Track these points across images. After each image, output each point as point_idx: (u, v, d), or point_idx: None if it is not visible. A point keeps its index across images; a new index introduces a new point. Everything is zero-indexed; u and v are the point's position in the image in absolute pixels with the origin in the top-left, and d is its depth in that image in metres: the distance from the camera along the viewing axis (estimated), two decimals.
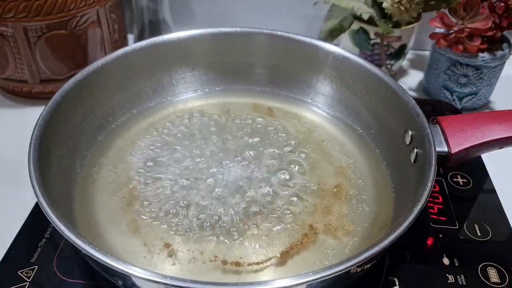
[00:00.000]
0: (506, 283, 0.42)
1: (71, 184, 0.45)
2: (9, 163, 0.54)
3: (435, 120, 0.44)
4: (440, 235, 0.46)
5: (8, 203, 0.49)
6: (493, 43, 0.60)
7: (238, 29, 0.55)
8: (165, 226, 0.42)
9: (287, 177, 0.46)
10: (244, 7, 0.75)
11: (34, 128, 0.41)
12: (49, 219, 0.34)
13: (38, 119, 0.42)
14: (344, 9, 0.62)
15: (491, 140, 0.42)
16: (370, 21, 0.62)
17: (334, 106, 0.55)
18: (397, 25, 0.63)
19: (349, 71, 0.52)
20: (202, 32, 0.54)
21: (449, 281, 0.42)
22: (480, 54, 0.59)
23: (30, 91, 0.62)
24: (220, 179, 0.46)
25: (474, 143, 0.42)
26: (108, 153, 0.49)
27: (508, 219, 0.48)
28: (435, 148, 0.40)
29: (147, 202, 0.44)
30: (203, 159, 0.48)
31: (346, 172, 0.48)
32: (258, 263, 0.39)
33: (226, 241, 0.40)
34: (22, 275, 0.41)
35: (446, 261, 0.43)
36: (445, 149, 0.42)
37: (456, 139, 0.42)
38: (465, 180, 0.52)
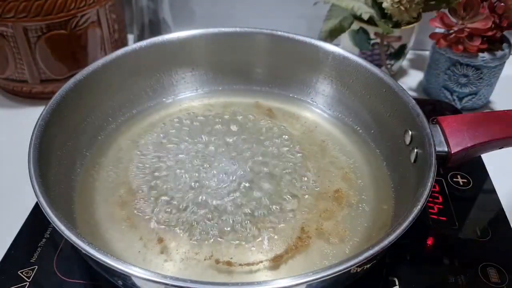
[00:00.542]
0: (506, 283, 0.42)
1: (71, 184, 0.45)
2: (9, 163, 0.54)
3: (435, 120, 0.44)
4: (440, 235, 0.46)
5: (8, 203, 0.49)
6: (493, 43, 0.60)
7: (238, 29, 0.55)
8: (165, 226, 0.42)
9: (287, 177, 0.46)
10: (244, 7, 0.75)
11: (34, 128, 0.41)
12: (49, 219, 0.34)
13: (38, 119, 0.42)
14: (344, 9, 0.62)
15: (491, 140, 0.42)
16: (370, 21, 0.62)
17: (334, 106, 0.55)
18: (397, 25, 0.63)
19: (349, 71, 0.52)
20: (202, 32, 0.54)
21: (449, 281, 0.42)
22: (480, 54, 0.59)
23: (30, 91, 0.62)
24: (220, 179, 0.46)
25: (474, 143, 0.42)
26: (108, 153, 0.49)
27: (508, 219, 0.48)
28: (435, 148, 0.40)
29: (147, 202, 0.44)
30: (202, 159, 0.48)
31: (346, 172, 0.48)
32: (249, 264, 0.39)
33: (223, 241, 0.40)
34: (22, 275, 0.41)
35: (446, 261, 0.43)
36: (445, 149, 0.42)
37: (456, 139, 0.42)
38: (465, 180, 0.52)
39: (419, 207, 0.35)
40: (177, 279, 0.30)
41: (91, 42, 0.61)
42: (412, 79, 0.71)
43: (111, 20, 0.62)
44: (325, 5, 0.64)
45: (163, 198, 0.44)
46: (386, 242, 0.33)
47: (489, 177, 0.52)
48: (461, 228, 0.47)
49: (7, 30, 0.55)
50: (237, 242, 0.40)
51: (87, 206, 0.43)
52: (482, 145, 0.42)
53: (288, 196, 0.44)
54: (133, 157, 0.48)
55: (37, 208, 0.47)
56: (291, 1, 0.73)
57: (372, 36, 0.64)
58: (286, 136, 0.51)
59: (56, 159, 0.43)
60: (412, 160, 0.43)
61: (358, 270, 0.34)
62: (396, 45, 0.65)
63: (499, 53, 0.59)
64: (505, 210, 0.49)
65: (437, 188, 0.51)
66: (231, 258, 0.39)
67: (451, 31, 0.58)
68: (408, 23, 0.63)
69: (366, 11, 0.61)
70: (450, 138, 0.42)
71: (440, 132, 0.43)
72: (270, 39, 0.55)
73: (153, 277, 0.30)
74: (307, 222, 0.43)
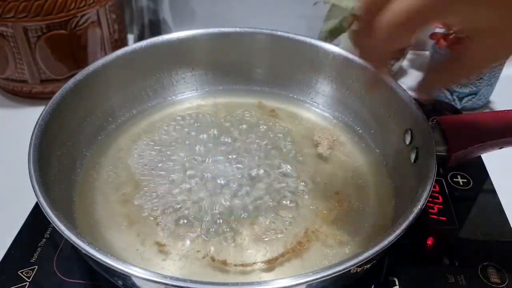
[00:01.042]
0: (506, 283, 0.42)
1: (71, 184, 0.45)
2: (9, 163, 0.54)
3: (435, 120, 0.44)
4: (440, 235, 0.46)
5: (8, 203, 0.49)
6: None
7: (238, 29, 0.55)
8: (166, 226, 0.42)
9: (286, 177, 0.46)
10: (244, 7, 0.75)
11: (34, 128, 0.41)
12: (49, 219, 0.34)
13: (38, 119, 0.42)
14: (344, 9, 0.62)
15: (491, 140, 0.42)
16: None
17: (334, 106, 0.55)
18: None
19: (349, 71, 0.52)
20: (202, 32, 0.54)
21: (449, 281, 0.42)
22: None
23: (30, 91, 0.62)
24: (220, 179, 0.46)
25: (474, 143, 0.42)
26: (108, 153, 0.49)
27: (508, 219, 0.48)
28: (435, 148, 0.40)
29: (147, 202, 0.44)
30: (202, 159, 0.48)
31: (346, 173, 0.48)
32: (246, 265, 0.39)
33: (223, 241, 0.41)
34: (22, 275, 0.41)
35: (446, 261, 0.43)
36: (445, 149, 0.42)
37: (456, 139, 0.42)
38: (465, 180, 0.52)
39: (419, 207, 0.35)
40: (177, 279, 0.30)
41: (91, 42, 0.61)
42: (412, 79, 0.71)
43: (111, 20, 0.62)
44: (325, 5, 0.64)
45: (163, 198, 0.44)
46: (386, 242, 0.33)
47: (489, 177, 0.52)
48: (461, 228, 0.47)
49: (7, 30, 0.55)
50: (236, 242, 0.40)
51: (87, 206, 0.43)
52: (482, 145, 0.42)
53: (288, 197, 0.44)
54: (133, 157, 0.48)
55: (37, 208, 0.47)
56: (291, 1, 0.73)
57: None
58: (286, 136, 0.51)
59: (56, 159, 0.43)
60: (412, 160, 0.43)
61: (358, 270, 0.34)
62: None
63: None
64: (505, 210, 0.49)
65: (437, 188, 0.51)
66: (228, 257, 0.39)
67: (451, 31, 0.58)
68: None
69: None
70: (450, 138, 0.42)
71: (440, 132, 0.43)
72: (270, 39, 0.55)
73: (153, 277, 0.30)
74: (307, 222, 0.43)
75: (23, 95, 0.63)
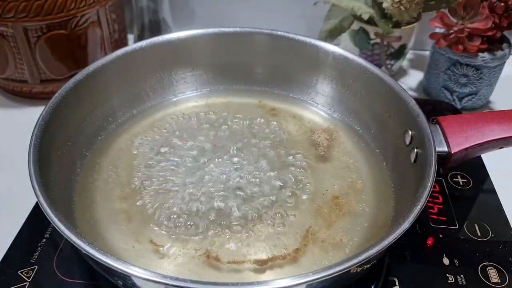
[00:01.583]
0: (506, 283, 0.42)
1: (71, 184, 0.45)
2: (9, 163, 0.54)
3: (435, 120, 0.44)
4: (440, 235, 0.46)
5: (8, 203, 0.49)
6: (493, 43, 0.60)
7: (238, 29, 0.55)
8: (165, 225, 0.42)
9: (286, 178, 0.46)
10: (244, 7, 0.75)
11: (34, 128, 0.41)
12: (49, 219, 0.34)
13: (38, 119, 0.42)
14: (344, 9, 0.62)
15: (491, 140, 0.42)
16: (370, 21, 0.62)
17: (334, 106, 0.55)
18: (397, 25, 0.63)
19: (349, 71, 0.52)
20: (202, 32, 0.54)
21: (449, 281, 0.42)
22: (480, 54, 0.59)
23: (30, 91, 0.62)
24: (219, 179, 0.46)
25: (474, 143, 0.42)
26: (108, 153, 0.49)
27: (508, 219, 0.48)
28: (435, 148, 0.40)
29: (147, 202, 0.44)
30: (202, 159, 0.48)
31: (346, 173, 0.48)
32: (239, 263, 0.39)
33: (223, 240, 0.41)
34: (22, 275, 0.41)
35: (446, 261, 0.43)
36: (445, 149, 0.42)
37: (456, 139, 0.42)
38: (465, 180, 0.52)
39: (419, 207, 0.35)
40: (177, 279, 0.30)
41: (91, 42, 0.61)
42: (412, 79, 0.71)
43: (111, 20, 0.62)
44: (325, 5, 0.64)
45: (163, 198, 0.44)
46: (386, 242, 0.33)
47: (489, 177, 0.52)
48: (461, 228, 0.47)
49: (7, 30, 0.55)
50: (236, 242, 0.40)
51: (87, 206, 0.43)
52: (482, 145, 0.42)
53: (287, 197, 0.44)
54: (133, 157, 0.48)
55: (37, 208, 0.47)
56: (291, 1, 0.73)
57: (372, 36, 0.64)
58: (285, 137, 0.51)
59: (56, 159, 0.43)
60: (412, 160, 0.43)
61: (358, 270, 0.34)
62: (396, 45, 0.65)
63: (499, 53, 0.59)
64: (505, 210, 0.49)
65: (437, 188, 0.51)
66: (227, 257, 0.39)
67: (451, 31, 0.58)
68: (408, 23, 0.63)
69: (366, 11, 0.61)
70: (450, 138, 0.42)
71: (440, 132, 0.43)
72: (270, 39, 0.55)
73: (153, 277, 0.30)
74: (306, 222, 0.42)
75: (23, 95, 0.63)
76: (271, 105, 0.56)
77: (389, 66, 0.67)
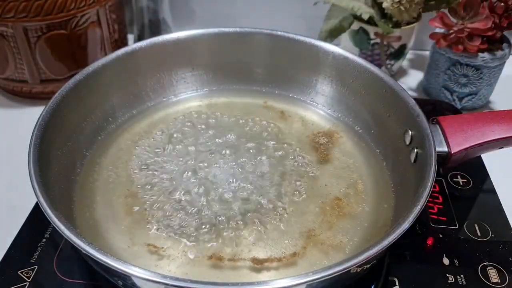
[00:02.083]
0: (506, 283, 0.42)
1: (71, 184, 0.45)
2: (9, 163, 0.54)
3: (435, 120, 0.44)
4: (440, 235, 0.46)
5: (8, 203, 0.49)
6: (493, 43, 0.60)
7: (238, 29, 0.55)
8: (165, 225, 0.42)
9: (286, 178, 0.46)
10: (244, 7, 0.75)
11: (34, 128, 0.41)
12: (49, 219, 0.34)
13: (38, 119, 0.42)
14: (344, 9, 0.62)
15: (491, 140, 0.42)
16: (370, 21, 0.62)
17: (334, 106, 0.55)
18: (397, 25, 0.63)
19: (349, 71, 0.52)
20: (202, 32, 0.54)
21: (449, 281, 0.42)
22: (480, 54, 0.59)
23: (30, 91, 0.62)
24: (220, 179, 0.46)
25: (474, 143, 0.42)
26: (108, 153, 0.49)
27: (508, 219, 0.48)
28: (435, 148, 0.40)
29: (147, 202, 0.44)
30: (202, 159, 0.48)
31: (346, 173, 0.48)
32: (239, 263, 0.39)
33: (223, 240, 0.41)
34: (22, 275, 0.41)
35: (446, 261, 0.43)
36: (445, 149, 0.42)
37: (456, 139, 0.42)
38: (465, 180, 0.52)
39: (419, 207, 0.35)
40: (177, 279, 0.30)
41: (91, 42, 0.61)
42: (412, 79, 0.71)
43: (111, 20, 0.62)
44: (325, 5, 0.64)
45: (163, 198, 0.44)
46: (386, 242, 0.33)
47: (489, 177, 0.52)
48: (461, 228, 0.47)
49: (7, 30, 0.55)
50: (235, 242, 0.40)
51: (87, 206, 0.43)
52: (482, 145, 0.42)
53: (287, 197, 0.44)
54: (133, 157, 0.48)
55: (37, 208, 0.47)
56: (291, 1, 0.73)
57: (372, 36, 0.64)
58: (285, 137, 0.51)
59: (56, 159, 0.43)
60: (412, 160, 0.43)
61: (358, 270, 0.34)
62: (396, 45, 0.65)
63: (499, 53, 0.59)
64: (505, 210, 0.49)
65: (437, 188, 0.51)
66: (227, 257, 0.39)
67: (451, 31, 0.58)
68: (408, 23, 0.63)
69: (366, 11, 0.61)
70: (450, 138, 0.42)
71: (440, 132, 0.43)
72: (270, 39, 0.55)
73: (153, 277, 0.30)
74: (306, 222, 0.42)
75: (23, 95, 0.63)
76: (271, 105, 0.56)
77: (389, 66, 0.67)
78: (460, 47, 0.58)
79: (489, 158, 0.53)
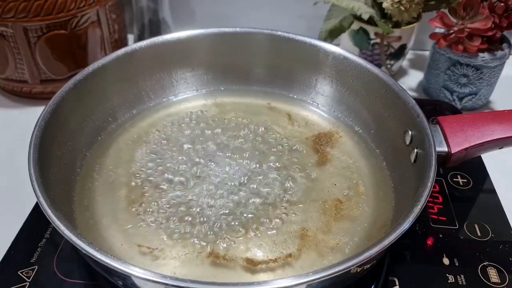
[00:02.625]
0: (506, 283, 0.42)
1: (71, 184, 0.45)
2: (9, 163, 0.54)
3: (435, 120, 0.44)
4: (440, 235, 0.46)
5: (8, 203, 0.49)
6: (493, 43, 0.60)
7: (238, 29, 0.55)
8: (165, 225, 0.42)
9: (285, 178, 0.46)
10: (244, 7, 0.75)
11: (34, 128, 0.41)
12: (49, 219, 0.34)
13: (38, 119, 0.42)
14: (344, 9, 0.62)
15: (491, 140, 0.42)
16: (370, 21, 0.62)
17: (334, 106, 0.55)
18: (397, 25, 0.63)
19: (349, 71, 0.52)
20: (202, 32, 0.54)
21: (449, 281, 0.42)
22: (480, 54, 0.59)
23: (30, 91, 0.62)
24: (220, 179, 0.46)
25: (474, 143, 0.42)
26: (108, 153, 0.49)
27: (508, 219, 0.48)
28: (435, 148, 0.40)
29: (147, 202, 0.44)
30: (202, 159, 0.48)
31: (346, 173, 0.48)
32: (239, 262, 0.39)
33: (222, 240, 0.41)
34: (22, 275, 0.41)
35: (446, 261, 0.43)
36: (445, 149, 0.42)
37: (456, 139, 0.42)
38: (465, 180, 0.52)
39: (419, 207, 0.35)
40: (177, 279, 0.30)
41: (91, 42, 0.61)
42: (412, 79, 0.71)
43: (111, 20, 0.62)
44: (325, 5, 0.64)
45: (163, 198, 0.44)
46: (386, 242, 0.33)
47: (489, 177, 0.52)
48: (461, 228, 0.47)
49: (7, 30, 0.55)
50: (235, 243, 0.41)
51: (87, 206, 0.43)
52: (482, 145, 0.42)
53: (287, 197, 0.44)
54: (133, 157, 0.48)
55: (37, 208, 0.47)
56: (291, 1, 0.73)
57: (372, 36, 0.64)
58: (285, 137, 0.51)
59: (56, 159, 0.43)
60: (412, 160, 0.43)
61: (358, 270, 0.34)
62: (396, 45, 0.65)
63: (499, 53, 0.59)
64: (505, 210, 0.49)
65: (437, 188, 0.51)
66: (227, 257, 0.39)
67: (451, 31, 0.58)
68: (408, 23, 0.63)
69: (366, 11, 0.61)
70: (450, 138, 0.42)
71: (440, 132, 0.43)
72: (270, 39, 0.55)
73: (153, 277, 0.30)
74: (306, 222, 0.42)
75: (23, 95, 0.63)
76: (271, 105, 0.56)
77: (389, 66, 0.67)
78: (460, 47, 0.58)
79: (489, 158, 0.53)
